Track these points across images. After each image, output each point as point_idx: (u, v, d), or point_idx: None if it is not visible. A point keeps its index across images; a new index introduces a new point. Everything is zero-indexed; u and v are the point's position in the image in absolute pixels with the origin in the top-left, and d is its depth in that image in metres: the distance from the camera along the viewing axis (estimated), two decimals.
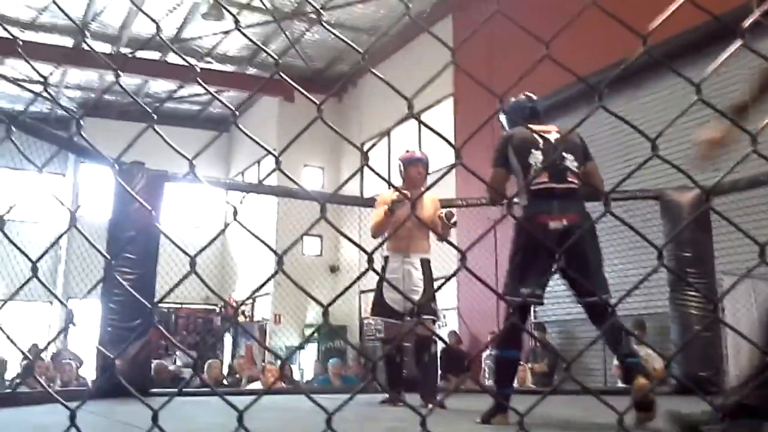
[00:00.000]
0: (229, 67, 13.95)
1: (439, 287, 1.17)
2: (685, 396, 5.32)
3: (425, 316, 4.56)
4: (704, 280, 5.85)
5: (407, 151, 4.74)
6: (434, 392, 4.42)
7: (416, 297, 4.40)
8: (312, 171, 14.51)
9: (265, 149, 0.89)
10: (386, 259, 4.57)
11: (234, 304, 12.33)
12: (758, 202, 6.42)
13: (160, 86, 14.37)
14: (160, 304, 13.94)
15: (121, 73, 1.07)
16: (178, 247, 1.00)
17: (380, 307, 4.52)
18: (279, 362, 9.80)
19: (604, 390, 6.68)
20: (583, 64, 7.04)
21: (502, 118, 3.69)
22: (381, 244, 4.25)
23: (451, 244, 0.93)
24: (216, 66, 13.65)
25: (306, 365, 12.41)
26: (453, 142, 0.99)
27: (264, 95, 14.40)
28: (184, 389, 5.84)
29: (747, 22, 0.92)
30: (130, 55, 12.25)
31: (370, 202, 7.78)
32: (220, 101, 0.95)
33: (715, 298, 5.37)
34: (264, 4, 11.28)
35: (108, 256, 0.94)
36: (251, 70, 14.08)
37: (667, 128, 0.88)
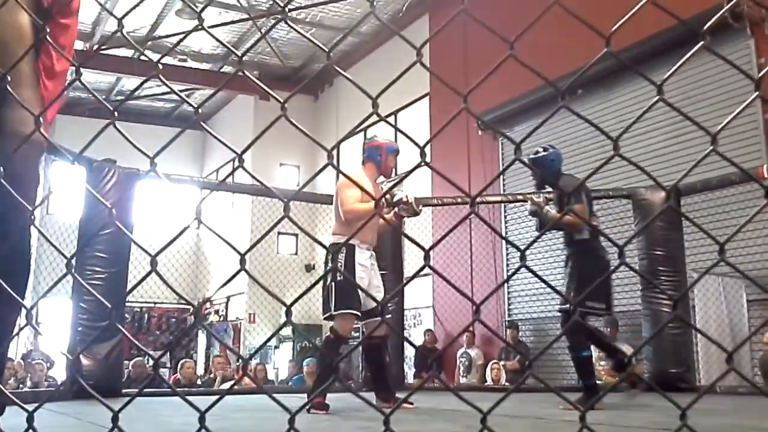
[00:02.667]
0: (204, 65, 13.86)
1: (405, 284, 1.17)
2: (655, 392, 5.40)
3: (387, 316, 4.42)
4: (675, 278, 5.95)
5: (387, 139, 4.46)
6: (390, 391, 4.25)
7: (380, 294, 4.19)
8: (288, 169, 14.46)
9: (229, 148, 0.89)
10: (347, 248, 3.97)
11: (206, 304, 12.24)
12: (730, 201, 6.52)
13: (133, 84, 14.23)
14: (133, 303, 13.87)
15: (83, 70, 1.05)
16: (140, 246, 0.99)
17: (351, 298, 3.93)
18: (252, 361, 9.75)
19: (576, 387, 6.74)
20: (558, 65, 7.11)
21: (544, 161, 4.33)
22: (347, 240, 4.07)
23: (413, 241, 0.93)
24: (191, 63, 13.54)
25: (281, 365, 12.36)
26: (429, 140, 0.99)
27: (240, 93, 14.32)
28: (159, 389, 5.77)
29: (708, 25, 0.93)
30: (101, 53, 12.07)
31: None
32: (183, 99, 0.94)
33: (675, 296, 5.45)
34: (239, 3, 11.21)
35: (66, 256, 0.93)
36: (227, 68, 14.00)
37: (628, 128, 0.89)
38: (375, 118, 0.90)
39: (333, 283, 3.94)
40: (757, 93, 0.84)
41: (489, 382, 8.15)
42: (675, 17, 0.93)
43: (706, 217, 6.50)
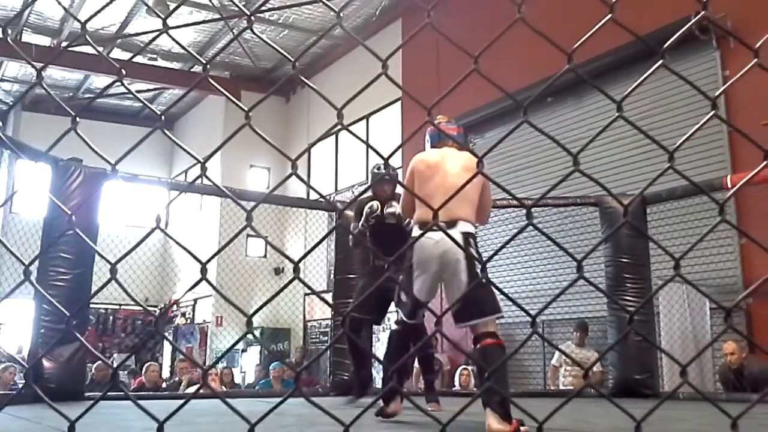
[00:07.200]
0: (174, 64, 13.72)
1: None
2: (620, 398, 5.47)
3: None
4: (640, 285, 6.04)
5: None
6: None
7: None
8: (258, 171, 14.38)
9: (192, 156, 0.88)
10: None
11: (173, 306, 12.11)
12: (695, 209, 6.63)
13: (101, 81, 14.03)
14: (98, 305, 13.66)
15: (51, 66, 1.04)
16: (101, 255, 0.98)
17: None
18: (219, 365, 9.68)
19: (542, 392, 6.81)
20: (531, 72, 7.16)
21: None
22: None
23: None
24: (161, 62, 13.41)
25: (248, 368, 12.28)
26: (393, 153, 1.00)
27: (210, 94, 14.21)
28: (122, 393, 5.69)
29: (667, 44, 0.95)
30: (68, 49, 11.89)
31: (314, 204, 7.72)
32: (147, 105, 0.93)
33: (633, 309, 5.54)
34: (211, 2, 11.12)
35: (24, 262, 0.90)
36: (197, 68, 13.88)
37: (588, 144, 0.91)
38: (345, 123, 0.90)
39: (490, 283, 2.89)
40: (713, 112, 0.85)
41: (457, 387, 8.17)
42: (634, 35, 0.95)
43: (671, 225, 6.60)
